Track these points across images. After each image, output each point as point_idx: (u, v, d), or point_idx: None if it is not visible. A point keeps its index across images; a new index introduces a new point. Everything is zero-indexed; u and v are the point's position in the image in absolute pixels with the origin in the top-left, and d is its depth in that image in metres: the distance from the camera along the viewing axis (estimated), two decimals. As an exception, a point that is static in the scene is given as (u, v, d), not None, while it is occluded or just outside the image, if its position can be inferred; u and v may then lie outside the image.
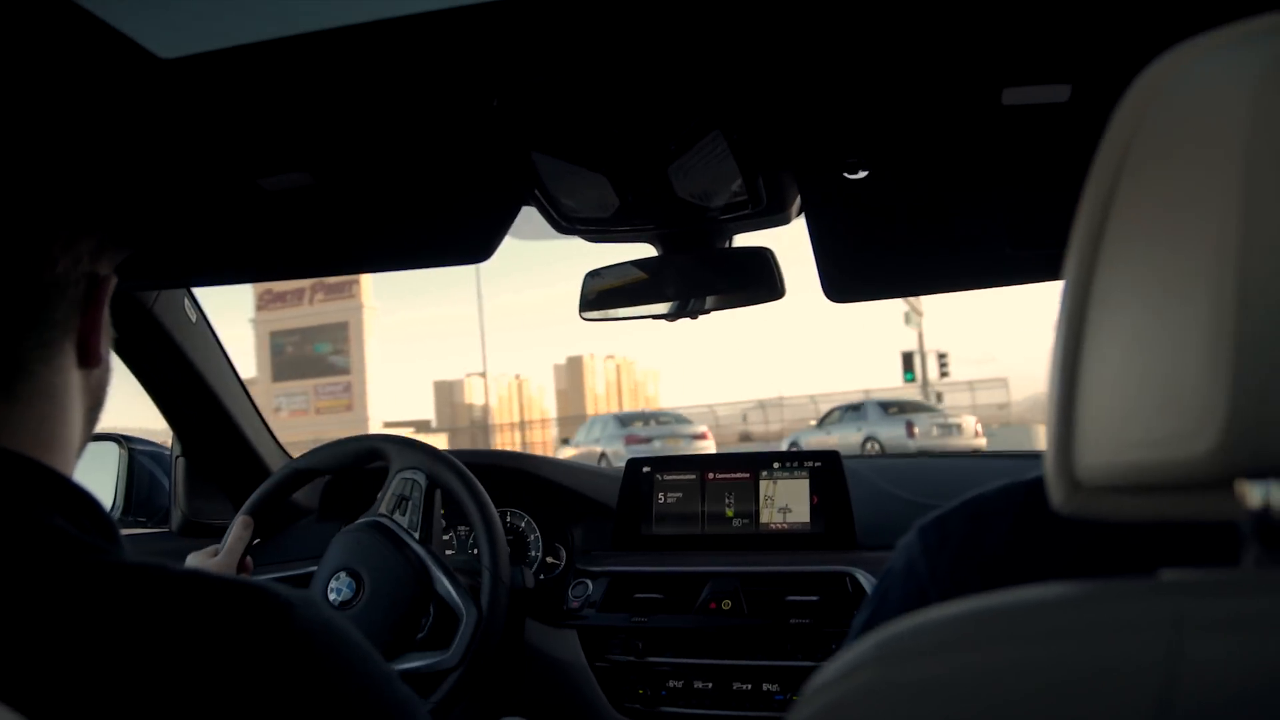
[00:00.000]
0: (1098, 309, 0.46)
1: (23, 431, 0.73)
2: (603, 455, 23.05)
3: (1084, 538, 0.67)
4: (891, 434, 21.45)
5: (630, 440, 23.34)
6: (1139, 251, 0.45)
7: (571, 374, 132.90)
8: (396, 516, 1.75)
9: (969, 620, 0.47)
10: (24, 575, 0.65)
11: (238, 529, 1.77)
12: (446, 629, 1.69)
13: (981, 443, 21.25)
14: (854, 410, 23.97)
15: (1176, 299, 0.43)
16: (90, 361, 0.79)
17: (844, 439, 22.03)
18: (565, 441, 28.53)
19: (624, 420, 26.21)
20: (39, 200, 0.74)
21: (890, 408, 23.13)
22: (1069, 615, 0.44)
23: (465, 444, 45.92)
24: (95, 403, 0.83)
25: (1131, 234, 0.46)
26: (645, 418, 26.80)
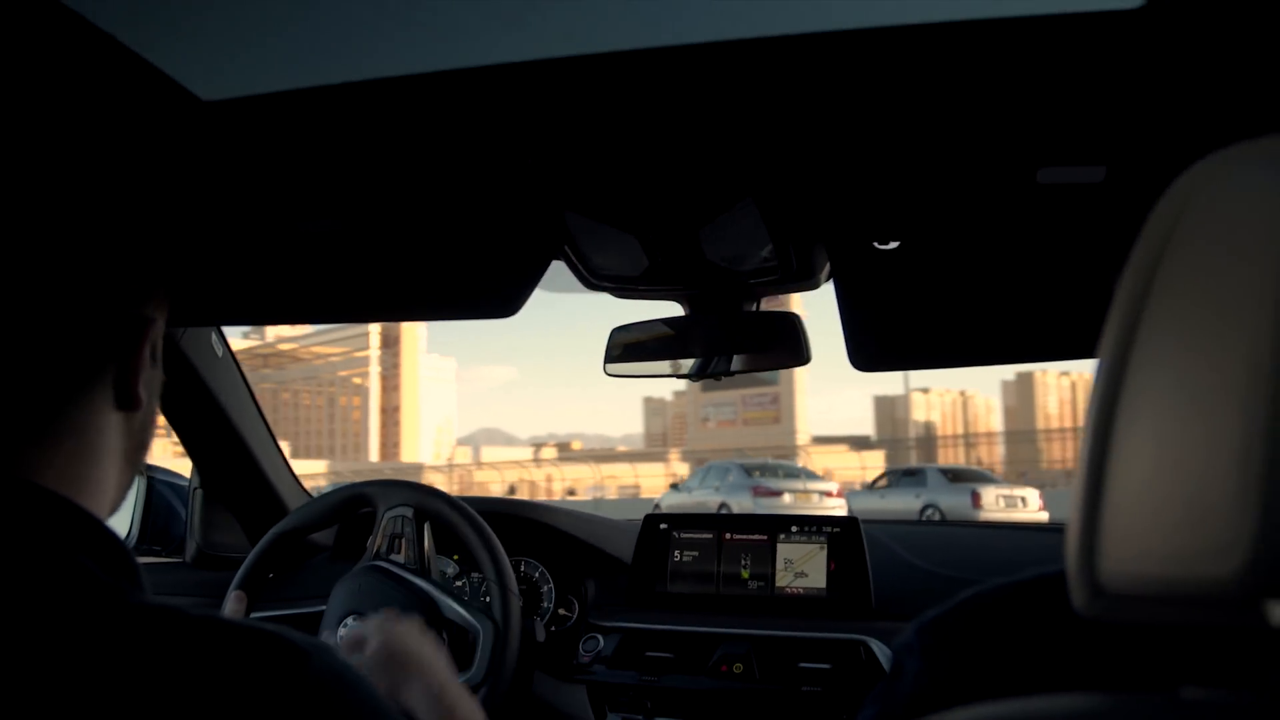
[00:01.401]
0: (1127, 413, 0.46)
1: (54, 470, 0.74)
2: (723, 505, 21.85)
3: (1094, 644, 0.66)
4: (954, 503, 20.58)
5: (759, 492, 22.03)
6: (1170, 359, 0.44)
7: (1021, 391, 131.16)
8: (392, 556, 1.78)
9: None
10: (46, 613, 0.65)
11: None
12: (464, 649, 1.70)
13: (1044, 516, 20.52)
14: (911, 475, 23.32)
15: (1206, 412, 0.42)
16: (129, 404, 0.79)
17: (903, 505, 21.48)
18: (674, 487, 26.71)
19: (750, 470, 24.34)
20: (82, 240, 0.75)
21: (949, 474, 22.59)
22: None
23: (906, 460, 45.20)
24: (137, 445, 0.83)
25: (1163, 340, 0.45)
26: (774, 469, 25.05)
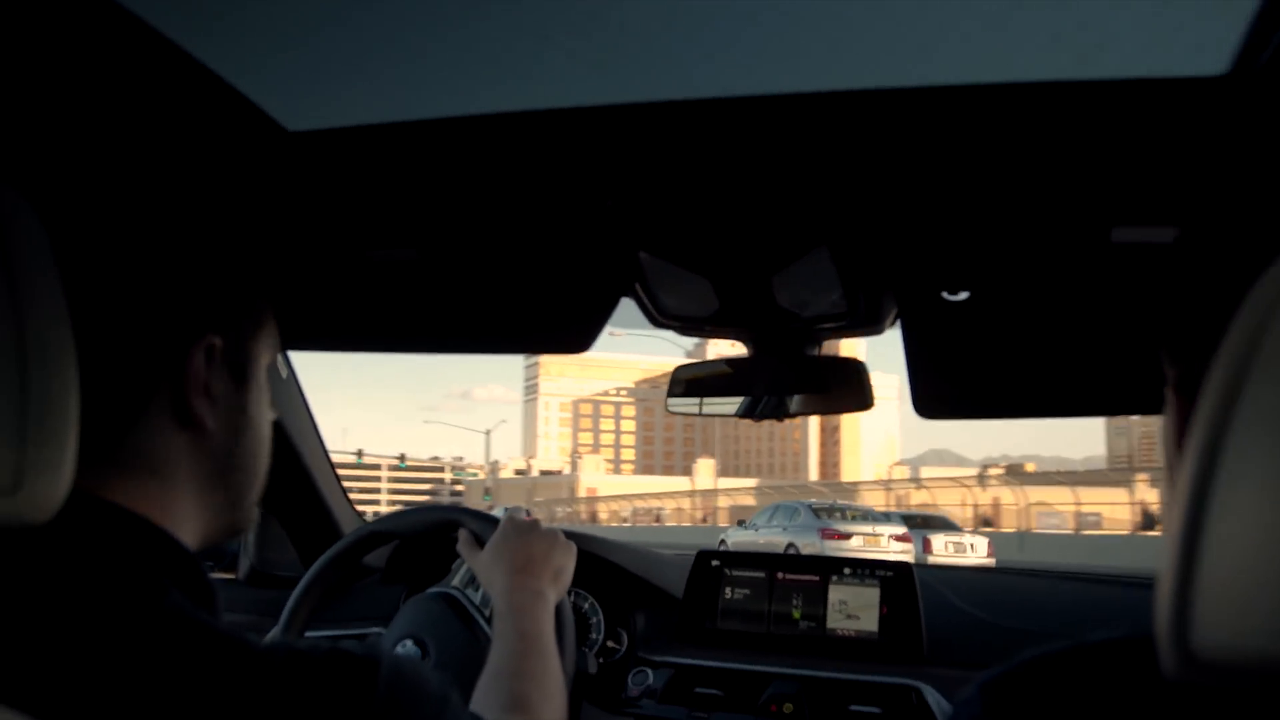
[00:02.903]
0: (1223, 486, 0.46)
1: (125, 492, 0.75)
2: (790, 546, 21.08)
3: (1169, 713, 0.65)
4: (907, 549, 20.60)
5: (827, 535, 21.22)
6: (1270, 443, 0.45)
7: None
8: (469, 591, 1.74)
9: None
10: (132, 639, 0.67)
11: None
12: None
13: (990, 561, 20.86)
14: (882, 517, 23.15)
15: None
16: (189, 423, 0.79)
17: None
18: (741, 524, 25.94)
19: (818, 511, 23.41)
20: (138, 261, 0.76)
21: (912, 519, 22.56)
22: None
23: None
24: (222, 468, 0.83)
25: (1263, 424, 0.45)
26: (843, 510, 24.11)
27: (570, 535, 2.29)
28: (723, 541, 24.64)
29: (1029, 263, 1.35)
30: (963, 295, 1.41)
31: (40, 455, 0.61)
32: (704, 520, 44.27)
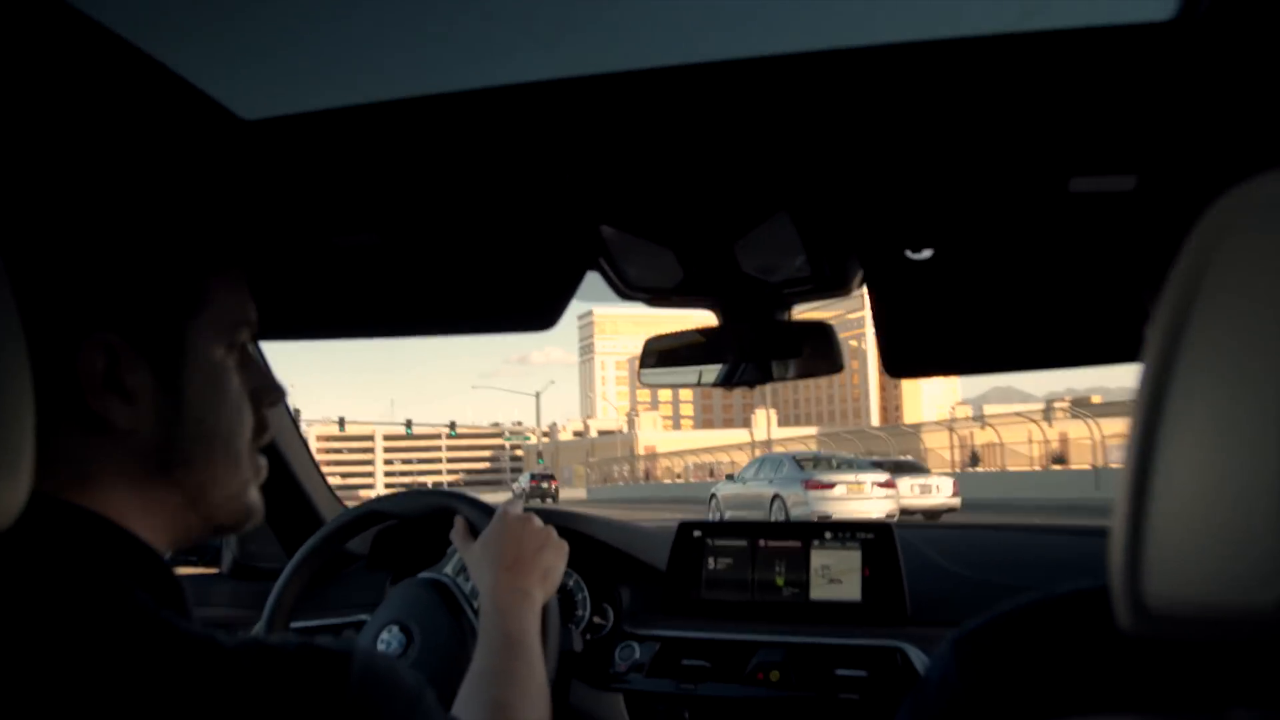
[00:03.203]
0: (1168, 438, 0.46)
1: (79, 496, 0.74)
2: (776, 497, 21.55)
3: (1137, 663, 0.66)
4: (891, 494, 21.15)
5: (811, 485, 21.11)
6: (1211, 387, 0.45)
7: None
8: (460, 580, 1.71)
9: None
10: (94, 641, 0.66)
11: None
12: None
13: (957, 502, 23.25)
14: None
15: (1248, 440, 0.43)
16: (98, 424, 0.75)
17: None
18: (729, 478, 26.13)
19: (802, 462, 23.34)
20: (72, 265, 0.74)
21: (884, 465, 23.11)
22: None
23: None
24: (162, 464, 0.79)
25: (1204, 368, 0.46)
26: (828, 460, 23.87)
27: (551, 514, 2.30)
28: (713, 495, 24.98)
29: (990, 217, 1.35)
30: (926, 253, 1.41)
31: None
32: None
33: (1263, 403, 0.42)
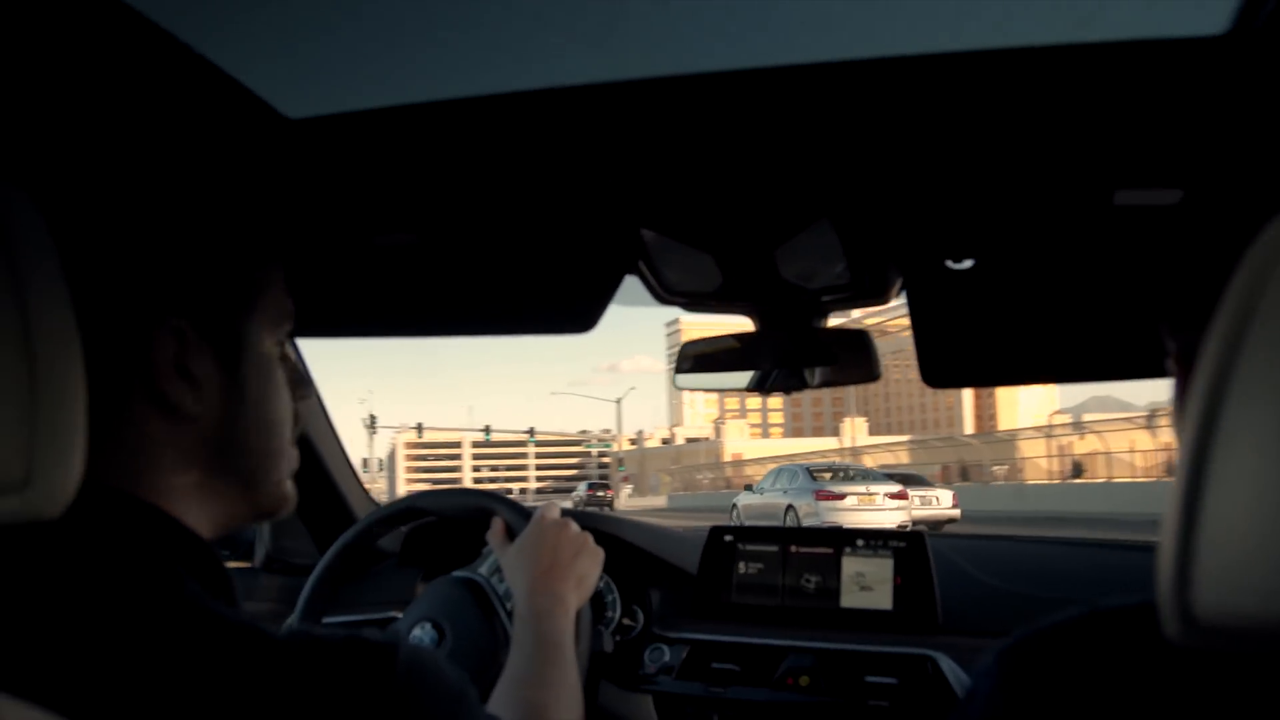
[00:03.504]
0: (1223, 451, 0.46)
1: (131, 478, 0.75)
2: (790, 508, 21.82)
3: (1182, 678, 0.65)
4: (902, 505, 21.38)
5: (821, 496, 21.34)
6: (1269, 401, 0.45)
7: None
8: (494, 581, 1.70)
9: None
10: (144, 628, 0.67)
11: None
12: None
13: (956, 513, 23.76)
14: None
15: None
16: (168, 408, 0.77)
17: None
18: (748, 488, 26.47)
19: (815, 473, 23.55)
20: (112, 246, 0.75)
21: (892, 477, 23.46)
22: None
23: None
24: (221, 452, 0.81)
25: (1261, 384, 0.45)
26: (841, 470, 24.26)
27: (584, 517, 2.31)
28: (734, 505, 25.33)
29: (1033, 229, 1.35)
30: (967, 264, 1.41)
31: (50, 449, 0.61)
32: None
33: None
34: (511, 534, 1.52)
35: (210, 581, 0.75)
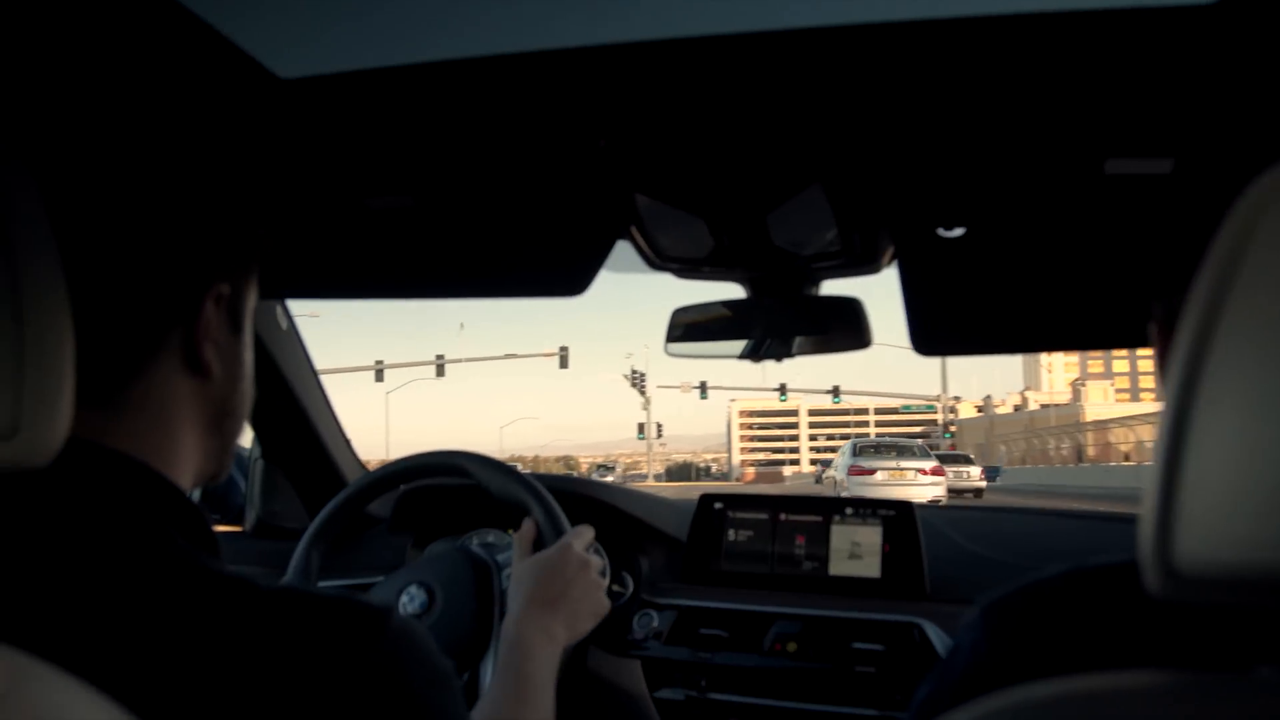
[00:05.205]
0: (1205, 405, 0.47)
1: (127, 436, 0.76)
2: (836, 483, 22.55)
3: (1164, 628, 0.66)
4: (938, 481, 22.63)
5: (854, 471, 21.97)
6: (1251, 356, 0.45)
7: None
8: (496, 557, 1.68)
9: (1064, 701, 0.47)
10: (132, 579, 0.68)
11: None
12: None
13: (983, 484, 30.96)
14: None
15: None
16: (199, 369, 0.80)
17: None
18: (824, 464, 28.21)
19: (861, 448, 24.14)
20: (150, 210, 0.76)
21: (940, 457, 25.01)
22: (1162, 706, 0.44)
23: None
24: (219, 414, 0.84)
25: (1244, 337, 0.46)
26: (888, 447, 24.50)
27: (578, 482, 2.31)
28: (819, 479, 27.86)
29: (1024, 197, 1.35)
30: (958, 231, 1.41)
31: (36, 399, 0.61)
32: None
33: None
34: (540, 542, 1.51)
35: (195, 536, 0.76)
